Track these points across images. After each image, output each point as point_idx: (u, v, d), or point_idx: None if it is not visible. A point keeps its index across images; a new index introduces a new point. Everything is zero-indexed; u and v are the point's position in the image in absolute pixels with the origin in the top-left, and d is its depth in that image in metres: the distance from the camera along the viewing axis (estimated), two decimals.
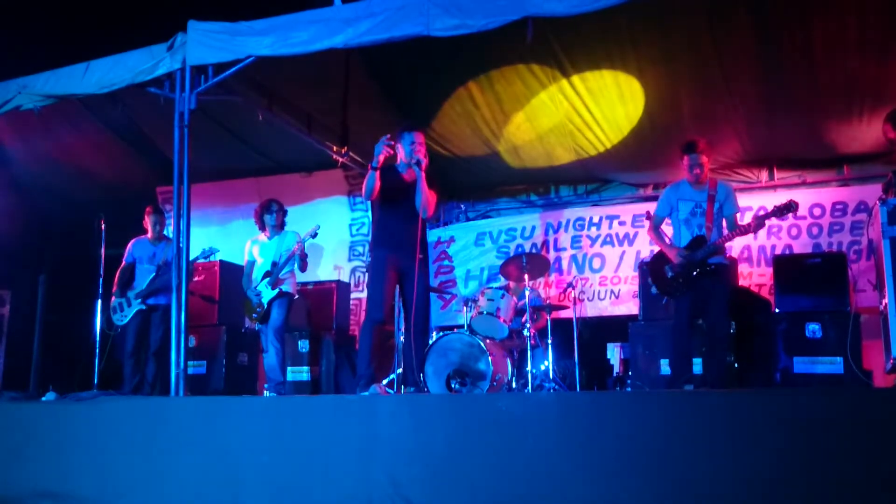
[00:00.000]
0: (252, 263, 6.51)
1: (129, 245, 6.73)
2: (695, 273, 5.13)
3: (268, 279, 6.31)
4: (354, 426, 3.91)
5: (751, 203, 7.06)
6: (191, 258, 6.33)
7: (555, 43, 5.54)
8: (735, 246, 7.22)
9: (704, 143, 5.26)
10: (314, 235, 6.43)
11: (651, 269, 5.52)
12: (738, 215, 5.32)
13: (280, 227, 6.53)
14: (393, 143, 4.79)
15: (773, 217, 5.20)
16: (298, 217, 7.08)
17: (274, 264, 6.34)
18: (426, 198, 4.85)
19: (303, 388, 6.92)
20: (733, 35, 5.44)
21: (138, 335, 6.50)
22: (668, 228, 5.55)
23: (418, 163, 4.81)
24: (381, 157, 4.74)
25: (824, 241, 7.07)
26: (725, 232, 5.25)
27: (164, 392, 5.29)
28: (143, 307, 6.49)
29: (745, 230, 5.23)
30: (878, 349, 5.58)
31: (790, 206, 5.09)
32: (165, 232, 6.98)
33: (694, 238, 5.21)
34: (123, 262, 6.68)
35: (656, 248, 5.63)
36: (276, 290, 6.30)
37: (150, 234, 6.75)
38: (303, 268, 6.48)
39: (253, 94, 6.22)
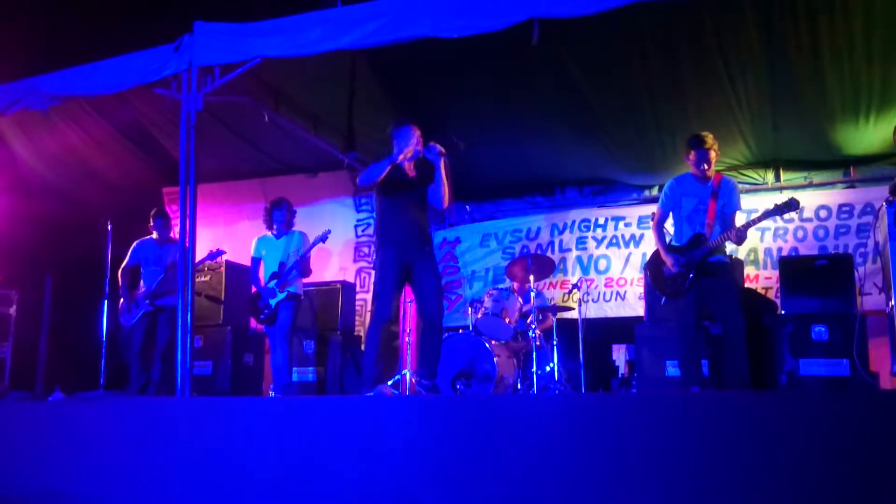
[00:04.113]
0: (258, 260, 6.51)
1: (133, 246, 6.74)
2: (692, 275, 5.06)
3: (275, 280, 6.31)
4: (360, 427, 3.91)
5: (756, 205, 7.04)
6: (197, 260, 6.36)
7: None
8: (741, 248, 7.21)
9: (713, 138, 5.11)
10: (324, 240, 6.41)
11: (650, 268, 5.46)
12: (738, 213, 5.24)
13: (288, 225, 6.52)
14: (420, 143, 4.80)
15: (774, 215, 5.08)
16: (304, 218, 7.10)
17: (281, 265, 6.34)
18: (447, 188, 4.86)
19: (308, 389, 6.92)
20: (739, 36, 5.43)
21: (145, 336, 6.50)
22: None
23: (440, 153, 4.77)
24: (408, 152, 4.77)
25: (830, 244, 7.05)
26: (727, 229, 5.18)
27: (170, 392, 5.30)
28: (151, 308, 6.49)
29: (746, 226, 5.12)
30: (884, 351, 5.58)
31: (790, 204, 4.94)
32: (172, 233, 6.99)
33: (694, 235, 5.14)
34: (125, 264, 6.67)
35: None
36: (285, 293, 6.30)
37: (156, 237, 6.75)
38: (306, 272, 6.47)
39: (259, 96, 6.24)
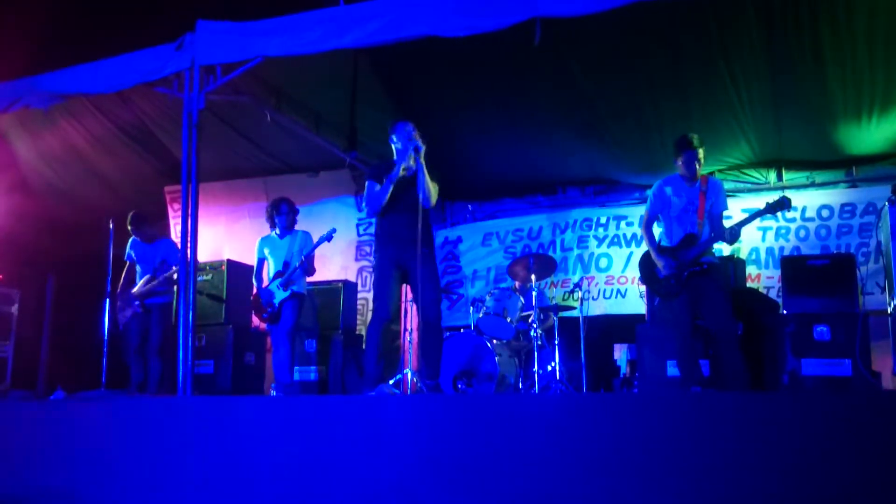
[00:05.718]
0: (263, 261, 6.51)
1: (129, 244, 6.73)
2: (685, 274, 5.03)
3: (279, 280, 6.30)
4: (362, 427, 3.91)
5: (759, 205, 6.99)
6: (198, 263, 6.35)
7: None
8: (743, 247, 7.21)
9: (699, 138, 5.10)
10: (329, 238, 6.40)
11: (643, 270, 5.47)
12: (725, 213, 5.21)
13: (291, 226, 6.51)
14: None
15: (766, 214, 5.07)
16: (306, 217, 7.09)
17: (286, 264, 6.33)
18: (429, 186, 4.77)
19: (310, 388, 6.92)
20: (741, 35, 5.42)
21: (141, 334, 6.50)
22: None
23: (417, 149, 4.72)
24: (409, 162, 4.75)
25: (832, 243, 7.05)
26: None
27: (172, 391, 5.30)
28: (140, 310, 6.48)
29: (739, 225, 5.10)
30: (886, 351, 5.57)
31: (783, 203, 4.93)
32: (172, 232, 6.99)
33: (686, 235, 5.12)
34: (126, 260, 6.69)
35: None
36: (288, 292, 6.29)
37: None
38: (310, 271, 6.46)
39: (261, 94, 6.23)
